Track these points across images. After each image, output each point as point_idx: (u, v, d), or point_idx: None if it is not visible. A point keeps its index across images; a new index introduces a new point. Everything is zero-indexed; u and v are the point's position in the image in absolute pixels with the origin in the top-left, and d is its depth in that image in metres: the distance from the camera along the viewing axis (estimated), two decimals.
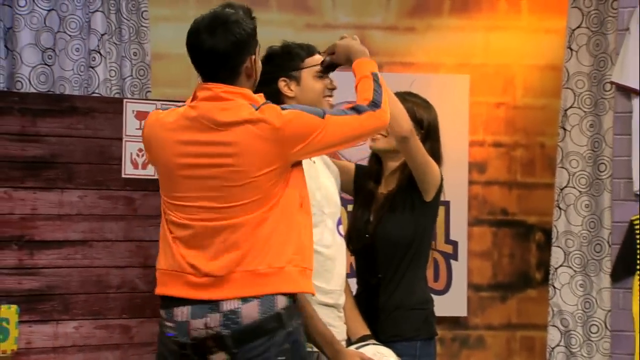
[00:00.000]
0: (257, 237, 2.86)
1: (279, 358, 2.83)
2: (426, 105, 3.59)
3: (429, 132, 3.51)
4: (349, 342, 3.30)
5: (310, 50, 3.26)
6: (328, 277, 3.20)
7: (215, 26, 2.93)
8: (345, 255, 3.31)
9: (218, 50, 2.91)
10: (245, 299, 2.83)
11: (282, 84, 3.22)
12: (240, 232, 2.86)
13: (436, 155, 3.48)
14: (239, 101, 2.92)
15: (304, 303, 3.10)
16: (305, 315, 3.07)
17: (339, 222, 3.30)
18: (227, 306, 2.82)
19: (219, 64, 2.92)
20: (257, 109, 2.90)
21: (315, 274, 3.10)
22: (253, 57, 2.98)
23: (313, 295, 3.00)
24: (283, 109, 2.94)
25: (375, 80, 3.06)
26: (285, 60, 3.23)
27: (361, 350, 3.21)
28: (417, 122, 3.47)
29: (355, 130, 2.95)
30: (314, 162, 3.26)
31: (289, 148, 2.89)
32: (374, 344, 3.27)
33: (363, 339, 3.30)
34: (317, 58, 3.26)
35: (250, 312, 2.83)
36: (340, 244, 3.28)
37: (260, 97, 2.97)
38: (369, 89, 3.03)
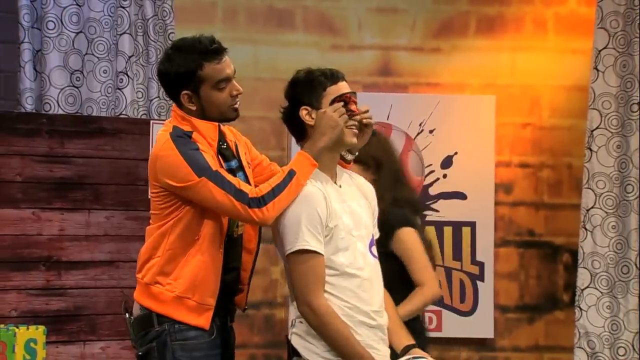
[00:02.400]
0: (145, 247, 3.23)
1: (141, 348, 3.22)
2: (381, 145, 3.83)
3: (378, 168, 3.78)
4: (395, 355, 3.29)
5: (334, 78, 3.23)
6: (367, 298, 3.20)
7: (165, 50, 3.28)
8: (380, 275, 3.31)
9: (157, 72, 3.27)
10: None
11: (303, 112, 3.21)
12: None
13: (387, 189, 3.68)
14: (168, 122, 3.24)
15: (342, 325, 3.11)
16: (342, 339, 3.10)
17: (372, 243, 3.30)
18: None
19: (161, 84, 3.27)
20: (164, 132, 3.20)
21: (354, 296, 3.16)
22: (185, 93, 3.17)
23: (179, 322, 3.19)
24: (174, 141, 3.14)
25: (287, 179, 3.12)
26: (307, 89, 3.22)
27: None
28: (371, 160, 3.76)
29: (222, 206, 3.11)
30: (340, 187, 3.27)
31: (160, 176, 3.15)
32: (415, 357, 3.23)
33: (406, 349, 3.28)
34: (342, 86, 3.23)
35: (135, 309, 3.26)
36: (374, 265, 3.28)
37: (178, 122, 3.18)
38: (273, 182, 3.12)
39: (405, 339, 3.31)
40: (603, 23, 5.20)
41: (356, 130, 3.23)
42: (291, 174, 3.11)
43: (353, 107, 3.22)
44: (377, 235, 3.38)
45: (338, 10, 5.60)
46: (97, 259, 4.72)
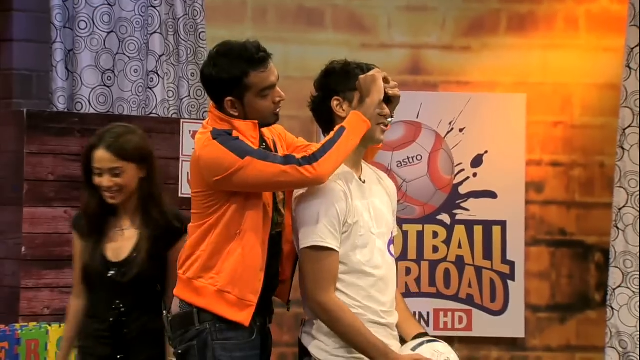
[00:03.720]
0: (187, 244, 3.23)
1: (181, 346, 3.22)
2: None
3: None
4: (403, 343, 3.28)
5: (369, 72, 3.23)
6: (379, 297, 3.20)
7: (210, 53, 3.25)
8: (395, 274, 3.30)
9: (201, 74, 3.27)
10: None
11: (334, 102, 3.22)
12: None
13: None
14: (206, 124, 3.24)
15: (352, 319, 3.11)
16: (355, 332, 3.09)
17: (390, 242, 3.29)
18: None
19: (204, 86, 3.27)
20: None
21: (366, 296, 3.16)
22: (229, 99, 3.16)
23: (221, 322, 3.17)
24: (215, 138, 3.12)
25: (336, 135, 3.11)
26: (341, 79, 3.22)
27: (417, 351, 3.17)
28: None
29: (275, 178, 3.07)
30: (364, 182, 3.26)
31: (207, 177, 3.13)
32: (429, 341, 3.22)
33: (418, 337, 3.27)
34: None
35: (174, 307, 3.26)
36: (391, 264, 3.27)
37: (216, 123, 3.18)
38: (323, 142, 3.13)
39: (415, 328, 3.30)
40: (635, 20, 5.17)
41: (385, 128, 3.23)
42: (341, 130, 3.11)
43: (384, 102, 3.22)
44: (395, 233, 3.37)
45: (368, 9, 5.60)
46: None
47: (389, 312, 3.22)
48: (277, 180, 3.08)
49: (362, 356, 3.15)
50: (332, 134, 3.13)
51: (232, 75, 3.15)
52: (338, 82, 3.22)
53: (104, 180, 3.45)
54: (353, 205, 3.16)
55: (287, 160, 3.08)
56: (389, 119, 3.23)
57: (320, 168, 3.06)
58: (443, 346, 3.20)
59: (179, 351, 3.22)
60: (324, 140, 3.13)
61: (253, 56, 3.17)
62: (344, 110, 3.21)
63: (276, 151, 3.30)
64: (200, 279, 3.17)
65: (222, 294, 3.15)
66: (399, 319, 3.28)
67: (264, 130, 3.30)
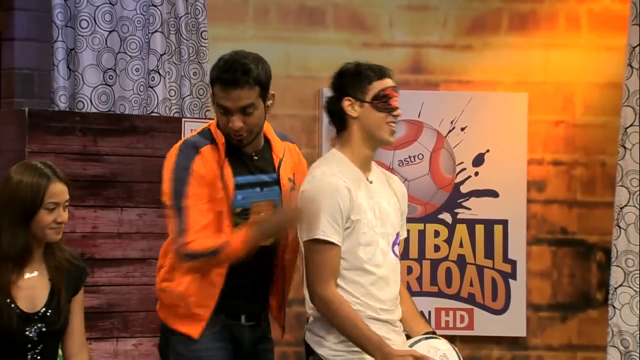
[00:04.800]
0: (160, 254, 3.41)
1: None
2: None
3: None
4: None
5: (382, 73, 3.28)
6: (379, 295, 3.21)
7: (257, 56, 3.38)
8: (398, 274, 3.30)
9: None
10: None
11: (346, 103, 3.25)
12: None
13: None
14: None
15: (350, 312, 3.12)
16: (351, 325, 3.13)
17: (395, 242, 3.30)
18: None
19: None
20: None
21: (365, 293, 3.19)
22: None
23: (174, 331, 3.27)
24: (179, 155, 3.24)
25: (219, 248, 3.17)
26: (354, 81, 3.26)
27: (415, 347, 3.19)
28: None
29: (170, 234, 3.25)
30: (371, 183, 3.28)
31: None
32: (427, 337, 3.23)
33: (425, 335, 3.28)
34: (387, 81, 3.27)
35: None
36: (394, 264, 3.29)
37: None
38: (207, 245, 3.17)
39: (423, 326, 3.31)
40: (637, 19, 5.16)
41: (394, 128, 3.25)
42: (222, 248, 3.15)
43: (394, 102, 3.25)
44: (403, 235, 3.37)
45: (369, 8, 5.59)
46: (130, 256, 4.75)
47: (389, 310, 3.24)
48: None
49: (361, 350, 3.16)
50: (218, 242, 3.16)
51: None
52: (350, 83, 3.26)
53: (63, 215, 3.09)
54: (357, 203, 3.18)
55: (177, 240, 3.19)
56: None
57: (186, 267, 3.18)
58: (441, 342, 3.22)
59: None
60: (210, 243, 3.16)
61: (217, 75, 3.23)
62: (355, 111, 3.25)
63: (278, 170, 3.31)
64: (162, 290, 3.27)
65: (173, 307, 3.25)
66: (407, 318, 3.31)
67: (277, 146, 3.33)
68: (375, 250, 3.21)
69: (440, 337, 3.25)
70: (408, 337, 3.29)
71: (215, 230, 3.20)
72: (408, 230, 3.50)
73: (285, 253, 3.36)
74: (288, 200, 3.26)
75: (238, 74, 3.19)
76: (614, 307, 5.13)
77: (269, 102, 3.27)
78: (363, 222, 3.18)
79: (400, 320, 3.30)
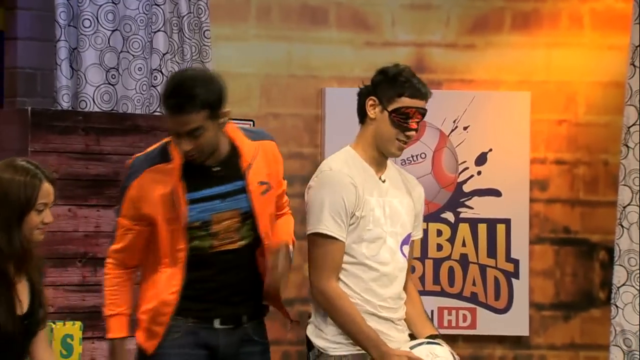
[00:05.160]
0: None
1: None
2: None
3: None
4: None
5: (416, 93, 3.25)
6: (380, 292, 3.22)
7: None
8: (405, 274, 3.31)
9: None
10: None
11: (369, 102, 3.26)
12: None
13: None
14: None
15: (350, 307, 3.14)
16: (349, 321, 3.14)
17: (404, 242, 3.30)
18: None
19: None
20: None
21: (366, 289, 3.20)
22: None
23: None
24: (132, 166, 3.35)
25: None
26: (386, 84, 3.25)
27: (414, 350, 3.19)
28: None
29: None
30: (384, 182, 3.28)
31: None
32: (429, 342, 3.23)
33: (429, 337, 3.28)
34: (417, 102, 3.25)
35: None
36: (402, 263, 3.29)
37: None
38: (108, 286, 3.35)
39: (428, 329, 3.31)
40: None
41: (404, 146, 3.24)
42: (104, 312, 3.34)
43: (412, 124, 3.23)
44: (418, 236, 3.37)
45: (371, 7, 5.59)
46: None
47: (390, 308, 3.25)
48: None
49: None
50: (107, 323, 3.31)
51: None
52: (382, 84, 3.25)
53: (49, 216, 3.08)
54: (363, 199, 3.19)
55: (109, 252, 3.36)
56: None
57: (104, 268, 3.35)
58: (442, 350, 3.21)
59: None
60: (112, 285, 3.33)
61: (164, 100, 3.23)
62: (374, 113, 3.25)
63: (246, 176, 3.27)
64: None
65: (138, 321, 3.31)
66: (414, 319, 3.31)
67: (246, 151, 3.26)
68: (380, 248, 3.22)
69: (443, 344, 3.25)
70: (413, 337, 3.29)
71: (131, 255, 3.32)
72: None
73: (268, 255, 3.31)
74: (259, 206, 3.24)
75: (182, 99, 3.13)
76: (616, 306, 5.12)
77: (222, 120, 3.20)
78: (369, 218, 3.20)
79: (405, 320, 3.30)
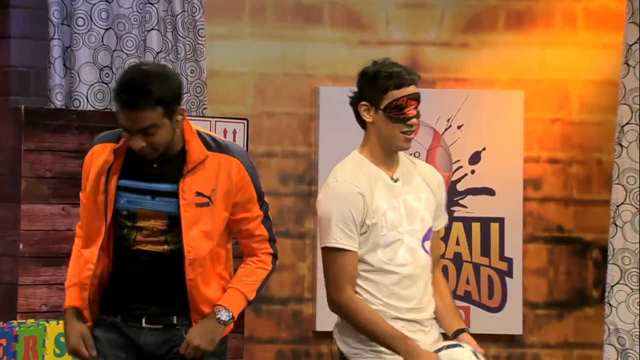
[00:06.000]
0: None
1: None
2: None
3: None
4: (446, 337, 3.29)
5: (401, 82, 3.21)
6: (404, 294, 3.21)
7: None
8: (429, 270, 3.29)
9: None
10: None
11: (362, 107, 3.24)
12: None
13: None
14: None
15: (370, 313, 3.13)
16: (371, 323, 3.12)
17: (426, 238, 3.28)
18: None
19: None
20: None
21: (389, 294, 3.19)
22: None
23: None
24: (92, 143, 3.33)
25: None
26: (370, 86, 3.22)
27: (440, 354, 3.16)
28: None
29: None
30: (396, 181, 3.26)
31: None
32: (448, 347, 3.19)
33: (456, 333, 3.28)
34: (405, 90, 3.20)
35: None
36: (425, 261, 3.27)
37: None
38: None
39: (456, 323, 3.30)
40: (634, 17, 5.16)
41: (409, 137, 3.23)
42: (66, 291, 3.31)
43: (410, 112, 3.21)
44: (443, 224, 3.36)
45: (366, 6, 5.60)
46: None
47: (415, 308, 3.23)
48: None
49: (380, 348, 3.17)
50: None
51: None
52: (366, 87, 3.23)
53: None
54: (373, 206, 3.18)
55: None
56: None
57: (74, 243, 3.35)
58: (462, 352, 3.18)
59: None
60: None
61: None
62: (370, 116, 3.23)
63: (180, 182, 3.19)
64: None
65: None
66: (442, 312, 3.30)
67: (192, 157, 3.15)
68: (397, 250, 3.20)
69: (464, 344, 3.22)
70: (444, 334, 3.30)
71: (88, 231, 3.28)
72: None
73: (191, 271, 3.15)
74: (188, 216, 3.11)
75: (135, 95, 3.01)
76: (610, 305, 5.13)
77: (178, 118, 3.08)
78: (381, 224, 3.18)
79: (434, 317, 3.29)
